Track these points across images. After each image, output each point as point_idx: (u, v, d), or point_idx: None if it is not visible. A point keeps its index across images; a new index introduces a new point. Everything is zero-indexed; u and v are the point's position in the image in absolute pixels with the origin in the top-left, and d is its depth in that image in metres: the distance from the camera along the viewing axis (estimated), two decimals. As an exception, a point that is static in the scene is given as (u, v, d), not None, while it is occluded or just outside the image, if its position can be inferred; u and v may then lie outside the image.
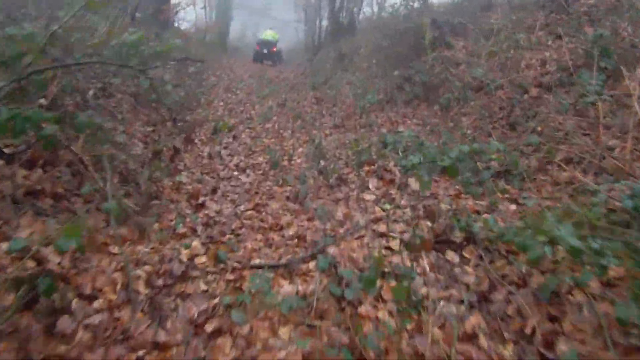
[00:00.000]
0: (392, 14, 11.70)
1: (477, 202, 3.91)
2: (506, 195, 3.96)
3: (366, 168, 5.15)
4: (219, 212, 4.60)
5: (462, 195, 4.09)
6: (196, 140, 7.22)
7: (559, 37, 6.66)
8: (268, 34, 19.77)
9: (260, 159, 6.36)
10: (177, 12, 18.15)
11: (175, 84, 9.10)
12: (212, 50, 19.48)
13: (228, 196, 5.04)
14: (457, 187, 4.27)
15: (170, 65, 10.26)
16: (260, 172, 5.78)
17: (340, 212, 4.21)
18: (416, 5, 10.22)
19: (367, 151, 5.51)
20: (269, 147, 6.94)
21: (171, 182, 5.06)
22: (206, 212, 4.55)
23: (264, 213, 4.51)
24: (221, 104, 10.18)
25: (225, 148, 6.99)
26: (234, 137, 7.66)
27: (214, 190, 5.16)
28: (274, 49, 19.65)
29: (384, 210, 4.11)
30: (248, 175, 5.66)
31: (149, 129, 6.35)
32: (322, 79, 11.89)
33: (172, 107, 7.39)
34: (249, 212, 4.58)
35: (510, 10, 8.95)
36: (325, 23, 16.72)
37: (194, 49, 15.42)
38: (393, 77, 8.36)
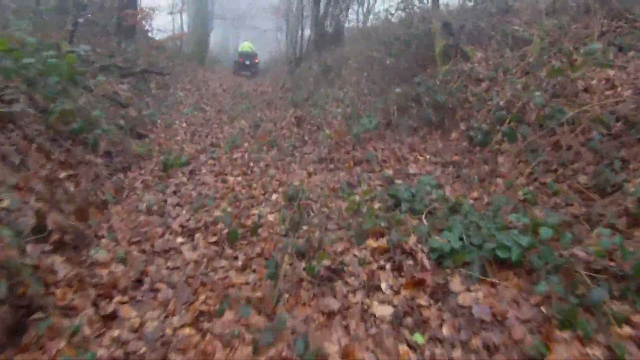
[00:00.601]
0: (386, 20, 9.88)
1: (589, 349, 2.05)
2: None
3: (372, 243, 3.25)
4: (137, 331, 2.71)
5: (555, 329, 2.21)
6: (137, 183, 5.27)
7: (620, 49, 4.88)
8: (246, 46, 19.74)
9: (218, 212, 4.42)
10: (145, 19, 16.18)
11: (126, 104, 7.11)
12: (188, 62, 17.51)
13: (159, 290, 3.11)
14: (540, 305, 2.38)
15: (127, 80, 8.31)
16: (215, 240, 3.84)
17: (336, 348, 2.34)
18: (416, 9, 8.35)
19: (370, 212, 3.61)
20: (234, 190, 5.05)
21: (74, 272, 3.10)
22: (116, 332, 2.66)
23: (207, 337, 2.61)
24: (184, 125, 8.23)
25: (174, 193, 5.06)
26: (191, 174, 5.74)
27: (140, 280, 3.24)
28: (255, 60, 19.59)
29: (412, 348, 2.27)
30: (195, 247, 3.73)
31: (64, 173, 4.38)
32: (304, 94, 10.00)
33: (106, 137, 5.43)
34: (185, 332, 2.68)
35: (536, 15, 7.15)
36: (308, 32, 14.85)
37: (166, 60, 13.48)
38: (393, 95, 6.49)
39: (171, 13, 16.45)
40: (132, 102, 7.53)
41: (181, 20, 18.69)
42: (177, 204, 4.77)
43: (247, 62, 19.20)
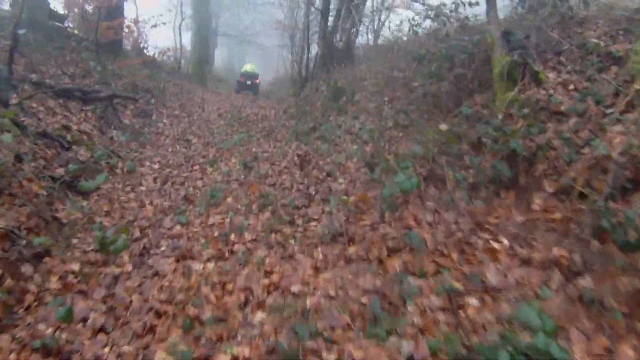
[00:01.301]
0: (412, 33, 7.94)
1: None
2: None
3: None
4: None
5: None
6: (52, 282, 3.30)
7: None
8: (249, 67, 19.15)
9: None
10: (135, 34, 14.39)
11: (76, 139, 5.17)
12: (186, 82, 15.67)
13: None
14: None
15: (89, 108, 6.38)
16: None
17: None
18: (452, 19, 6.36)
19: None
20: (198, 290, 3.08)
21: None
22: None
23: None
24: (155, 166, 6.26)
25: (104, 302, 3.08)
26: (142, 256, 3.77)
27: None
28: (257, 81, 19.01)
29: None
30: None
31: None
32: (309, 123, 8.03)
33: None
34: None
35: (613, 24, 5.16)
36: (315, 49, 12.93)
37: (157, 80, 11.59)
38: (433, 133, 4.50)
39: (154, 26, 14.58)
40: (87, 138, 5.59)
41: (180, 36, 16.90)
42: (101, 329, 2.78)
43: (249, 82, 18.77)
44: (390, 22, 11.58)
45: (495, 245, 3.15)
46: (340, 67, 10.54)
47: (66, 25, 11.07)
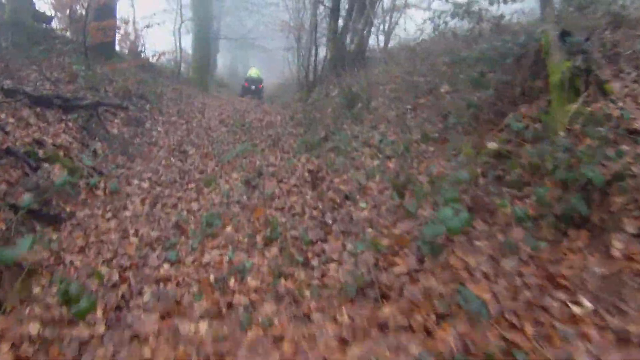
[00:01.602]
0: (438, 34, 7.14)
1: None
2: None
3: None
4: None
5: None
6: (4, 351, 2.50)
7: None
8: (253, 72, 19.44)
9: None
10: (131, 37, 13.66)
11: (50, 155, 4.39)
12: (187, 87, 14.90)
13: None
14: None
15: (69, 117, 5.61)
16: None
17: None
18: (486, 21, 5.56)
19: None
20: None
21: None
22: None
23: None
24: (145, 184, 5.45)
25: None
26: (118, 309, 2.97)
27: None
28: (260, 86, 19.12)
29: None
30: None
31: None
32: (320, 132, 7.24)
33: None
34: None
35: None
36: (323, 51, 12.13)
37: (152, 85, 10.81)
38: (473, 152, 3.69)
39: (147, 26, 13.81)
40: (63, 155, 4.80)
41: (179, 39, 16.12)
42: None
43: (253, 87, 18.93)
44: (404, 22, 10.76)
45: (576, 309, 2.34)
46: (351, 70, 9.74)
47: (54, 26, 10.31)
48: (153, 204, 4.79)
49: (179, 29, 16.00)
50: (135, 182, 5.39)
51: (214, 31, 22.28)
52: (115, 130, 6.71)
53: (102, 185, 4.91)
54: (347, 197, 4.44)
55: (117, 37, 14.18)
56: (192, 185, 5.47)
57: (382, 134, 5.82)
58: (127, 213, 4.54)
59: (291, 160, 6.26)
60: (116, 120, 7.06)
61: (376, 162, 5.22)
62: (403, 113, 6.01)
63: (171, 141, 7.57)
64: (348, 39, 10.11)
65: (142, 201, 4.85)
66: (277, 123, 10.48)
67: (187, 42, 20.38)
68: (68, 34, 10.42)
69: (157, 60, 14.37)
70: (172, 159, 6.62)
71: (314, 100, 10.39)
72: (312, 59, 12.46)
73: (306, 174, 5.52)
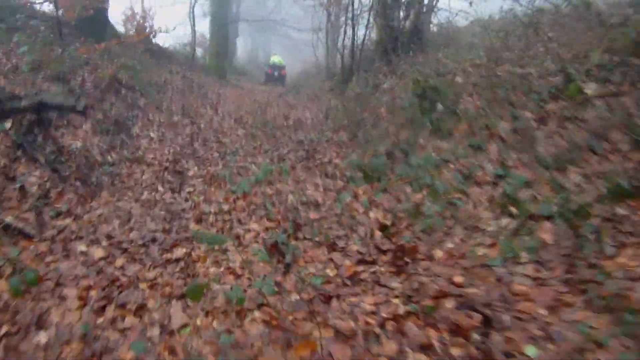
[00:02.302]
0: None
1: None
2: None
3: None
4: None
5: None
6: None
7: None
8: (276, 58, 18.78)
9: None
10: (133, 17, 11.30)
11: None
12: (201, 75, 12.51)
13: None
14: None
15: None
16: None
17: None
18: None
19: None
20: None
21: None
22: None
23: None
24: (97, 253, 3.03)
25: None
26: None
27: None
28: (284, 72, 18.49)
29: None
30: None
31: None
32: (378, 146, 4.80)
33: None
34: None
35: None
36: (362, 33, 9.54)
37: (154, 73, 8.43)
38: None
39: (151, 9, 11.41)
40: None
41: (193, 19, 13.60)
42: None
43: (276, 74, 18.29)
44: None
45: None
46: (406, 55, 7.19)
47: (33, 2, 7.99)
48: (98, 310, 2.39)
49: (193, 9, 13.51)
50: (81, 247, 2.98)
51: (232, 13, 19.76)
52: (77, 144, 4.33)
53: (7, 271, 2.51)
54: (487, 318, 1.98)
55: (122, 17, 11.85)
56: (181, 251, 3.05)
57: (499, 163, 3.33)
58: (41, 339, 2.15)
59: (343, 195, 3.79)
60: (84, 127, 4.68)
61: (505, 222, 2.77)
62: (525, 127, 3.49)
63: (165, 154, 5.19)
64: (400, 16, 7.52)
65: (80, 302, 2.45)
66: (307, 122, 8.05)
67: (206, 27, 18.00)
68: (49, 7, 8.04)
69: (154, 36, 11.92)
70: (159, 187, 4.25)
71: (355, 93, 7.87)
72: (349, 41, 9.92)
73: (377, 234, 3.07)
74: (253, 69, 26.23)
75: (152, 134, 5.59)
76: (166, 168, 4.76)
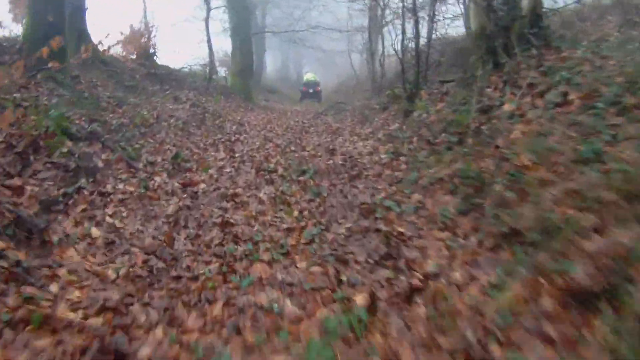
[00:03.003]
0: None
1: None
2: None
3: None
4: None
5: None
6: None
7: None
8: (310, 76, 19.27)
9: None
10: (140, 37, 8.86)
11: None
12: (217, 100, 9.94)
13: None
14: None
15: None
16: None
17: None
18: None
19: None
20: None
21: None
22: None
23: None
24: None
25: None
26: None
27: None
28: (318, 89, 18.24)
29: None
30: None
31: None
32: (529, 220, 1.88)
33: None
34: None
35: None
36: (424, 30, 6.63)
37: (152, 106, 5.84)
38: None
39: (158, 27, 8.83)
40: None
41: (208, 34, 11.04)
42: None
43: (311, 91, 18.16)
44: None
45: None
46: (525, 54, 4.23)
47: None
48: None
49: (207, 21, 10.92)
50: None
51: (257, 26, 17.28)
52: None
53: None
54: None
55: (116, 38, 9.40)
56: None
57: None
58: None
59: None
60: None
61: None
62: None
63: (99, 296, 2.41)
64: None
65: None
66: (363, 160, 5.29)
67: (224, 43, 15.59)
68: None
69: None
70: None
71: (434, 116, 4.96)
72: (409, 42, 7.05)
73: None
74: (284, 86, 23.75)
75: (93, 232, 2.87)
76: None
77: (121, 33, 9.26)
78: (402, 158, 4.84)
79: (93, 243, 2.76)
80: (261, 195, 4.02)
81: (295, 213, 3.70)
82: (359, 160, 5.45)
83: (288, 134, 7.95)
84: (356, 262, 2.97)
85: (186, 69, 11.61)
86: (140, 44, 9.10)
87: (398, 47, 8.02)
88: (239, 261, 2.82)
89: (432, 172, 3.91)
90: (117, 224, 2.98)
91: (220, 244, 2.97)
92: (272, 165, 5.12)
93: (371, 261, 2.97)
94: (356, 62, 18.77)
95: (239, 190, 4.05)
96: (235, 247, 2.95)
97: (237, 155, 5.54)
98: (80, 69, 6.04)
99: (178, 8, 19.80)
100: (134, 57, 9.07)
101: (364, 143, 6.54)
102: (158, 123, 5.38)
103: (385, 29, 11.17)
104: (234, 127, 7.74)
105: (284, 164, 5.35)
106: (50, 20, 4.83)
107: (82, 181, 3.26)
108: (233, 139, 6.61)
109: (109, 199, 3.23)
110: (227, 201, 3.75)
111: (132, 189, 3.43)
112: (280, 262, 2.85)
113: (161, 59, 10.55)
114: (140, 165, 3.99)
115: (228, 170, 4.63)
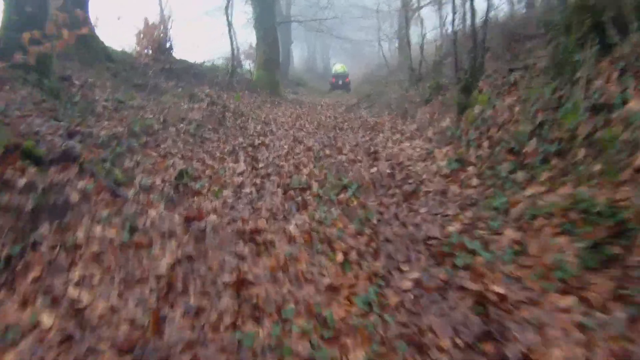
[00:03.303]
0: None
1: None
2: None
3: None
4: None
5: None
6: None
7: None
8: (339, 67, 18.83)
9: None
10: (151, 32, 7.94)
11: None
12: (242, 96, 8.95)
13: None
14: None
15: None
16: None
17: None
18: None
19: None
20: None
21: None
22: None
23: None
24: None
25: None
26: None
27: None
28: (347, 80, 18.10)
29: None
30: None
31: None
32: None
33: None
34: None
35: None
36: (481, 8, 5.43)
37: (159, 108, 4.88)
38: None
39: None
40: None
41: (229, 25, 10.00)
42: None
43: (340, 82, 18.00)
44: None
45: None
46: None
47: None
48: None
49: (227, 10, 9.88)
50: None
51: (282, 15, 16.17)
52: None
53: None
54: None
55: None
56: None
57: None
58: None
59: None
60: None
61: None
62: None
63: None
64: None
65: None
66: (416, 169, 4.27)
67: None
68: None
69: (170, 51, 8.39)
70: None
71: (512, 111, 3.79)
72: (461, 22, 5.83)
73: None
74: (312, 78, 22.66)
75: (44, 319, 1.86)
76: None
77: (136, 27, 8.35)
78: (471, 169, 3.70)
79: (42, 339, 1.76)
80: (291, 228, 2.97)
81: (339, 257, 2.64)
82: (410, 168, 4.35)
83: (320, 132, 6.91)
84: (439, 348, 1.91)
85: (208, 64, 10.63)
86: (155, 37, 8.15)
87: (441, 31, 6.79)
88: (261, 357, 1.77)
89: (527, 196, 2.76)
90: (84, 298, 1.98)
91: (233, 325, 1.93)
92: (304, 179, 4.07)
93: (461, 344, 1.91)
94: (386, 51, 17.55)
95: (261, 222, 3.00)
96: (256, 329, 1.91)
97: (260, 165, 4.51)
98: (79, 67, 5.12)
99: (199, 1, 18.78)
100: (150, 52, 8.12)
101: (411, 143, 5.43)
102: (164, 129, 4.39)
103: (424, 10, 9.91)
104: (259, 127, 6.72)
105: (319, 174, 4.30)
106: (28, 11, 3.87)
107: (43, 229, 2.28)
108: (257, 142, 5.58)
109: (77, 255, 2.23)
110: (245, 242, 2.72)
111: (112, 234, 2.43)
112: (323, 349, 1.80)
113: (182, 54, 9.66)
114: (131, 193, 2.98)
115: (248, 190, 3.59)
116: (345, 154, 5.29)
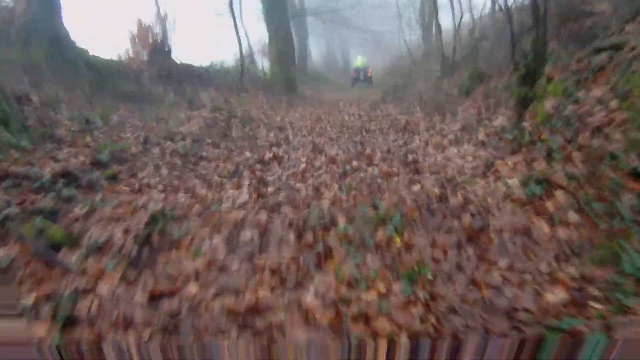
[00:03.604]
0: None
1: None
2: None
3: None
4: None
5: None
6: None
7: None
8: (359, 61, 17.46)
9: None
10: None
11: None
12: (253, 98, 7.96)
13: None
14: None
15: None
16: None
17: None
18: None
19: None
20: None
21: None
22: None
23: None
24: None
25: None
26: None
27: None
28: (369, 74, 16.90)
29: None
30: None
31: None
32: None
33: None
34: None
35: None
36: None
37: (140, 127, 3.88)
38: None
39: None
40: None
41: (234, 19, 8.98)
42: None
43: (362, 76, 16.93)
44: None
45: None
46: None
47: None
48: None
49: (231, 5, 8.85)
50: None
51: (295, 8, 15.11)
52: None
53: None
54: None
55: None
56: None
57: None
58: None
59: None
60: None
61: None
62: None
63: None
64: None
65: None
66: (488, 202, 2.99)
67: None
68: None
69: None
70: None
71: (608, 106, 2.65)
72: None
73: None
74: (331, 73, 21.52)
75: None
76: None
77: (129, 31, 7.40)
78: (560, 194, 2.57)
79: None
80: (309, 300, 1.93)
81: (383, 349, 1.60)
82: (466, 187, 3.24)
83: (344, 137, 5.86)
84: None
85: (217, 66, 9.65)
86: (151, 41, 7.18)
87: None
88: None
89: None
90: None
91: None
92: (325, 209, 3.02)
93: None
94: (409, 41, 16.36)
95: (263, 292, 1.97)
96: None
97: (269, 190, 3.47)
98: (48, 80, 4.18)
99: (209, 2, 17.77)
100: (146, 57, 7.17)
101: (459, 150, 4.30)
102: (145, 152, 3.40)
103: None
104: (271, 135, 5.71)
105: (346, 199, 3.23)
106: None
107: None
108: (267, 156, 4.55)
109: None
110: (240, 328, 1.70)
111: (40, 331, 1.46)
112: None
113: (186, 57, 8.74)
114: (74, 260, 1.99)
115: (248, 235, 2.56)
116: (377, 164, 4.24)
